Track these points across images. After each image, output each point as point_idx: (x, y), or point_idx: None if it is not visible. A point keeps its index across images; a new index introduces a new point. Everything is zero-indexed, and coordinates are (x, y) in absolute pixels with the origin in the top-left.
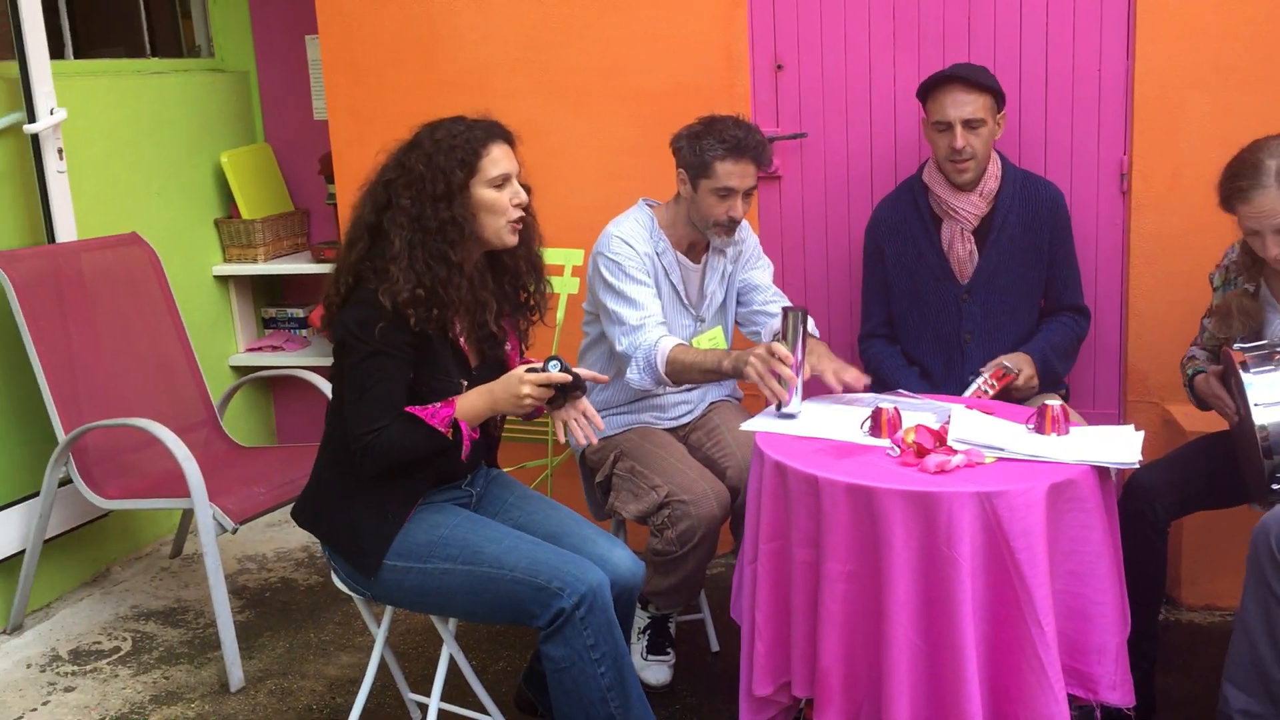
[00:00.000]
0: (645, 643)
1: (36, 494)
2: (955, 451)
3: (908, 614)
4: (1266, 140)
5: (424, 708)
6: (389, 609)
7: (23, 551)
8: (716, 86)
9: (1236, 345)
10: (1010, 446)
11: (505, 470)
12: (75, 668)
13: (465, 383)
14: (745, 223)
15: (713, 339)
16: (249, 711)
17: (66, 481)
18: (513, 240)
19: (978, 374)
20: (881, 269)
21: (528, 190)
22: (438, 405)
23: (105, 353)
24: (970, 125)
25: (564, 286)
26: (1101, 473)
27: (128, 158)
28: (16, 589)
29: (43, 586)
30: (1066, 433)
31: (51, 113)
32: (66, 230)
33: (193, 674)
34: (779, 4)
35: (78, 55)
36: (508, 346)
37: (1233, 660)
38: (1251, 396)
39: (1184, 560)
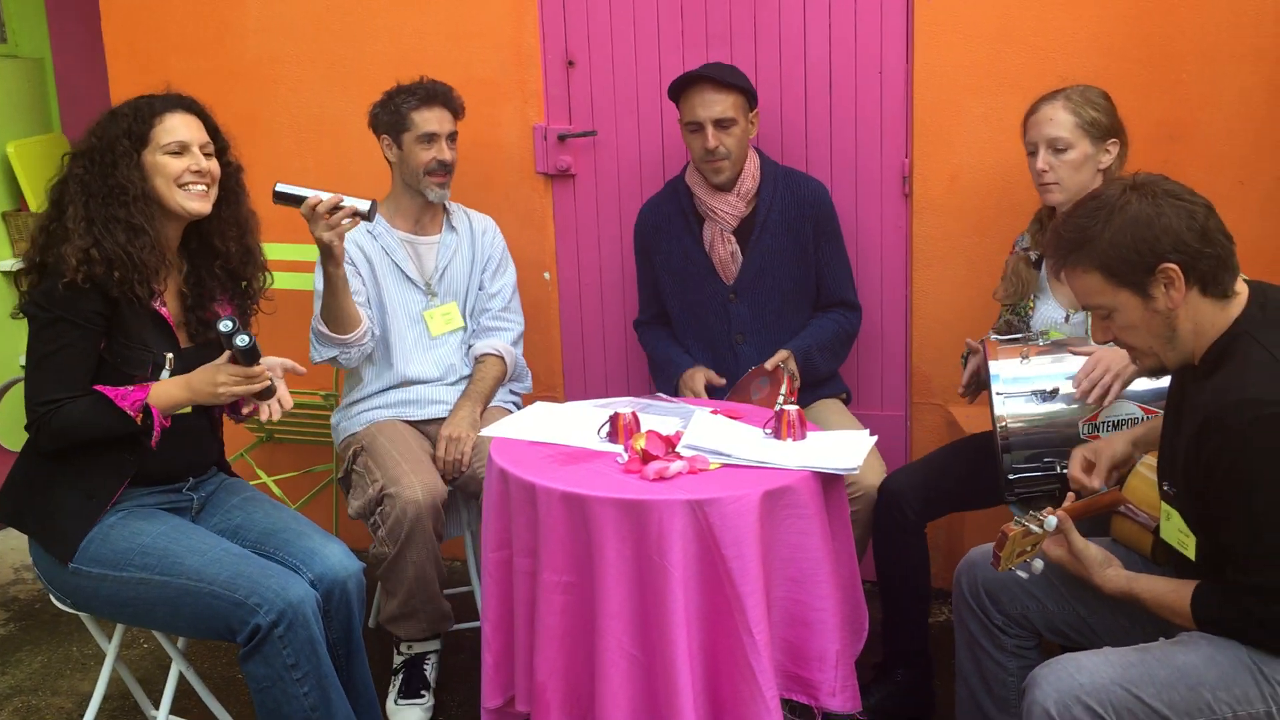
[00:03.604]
0: (399, 685)
1: None
2: (679, 458)
3: (622, 624)
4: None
5: None
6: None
7: None
8: (508, 81)
9: (993, 336)
10: (736, 452)
11: (291, 475)
12: None
13: (170, 355)
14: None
15: (447, 314)
16: None
17: None
18: (198, 207)
19: (754, 375)
20: (650, 267)
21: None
22: (131, 388)
23: None
24: (721, 125)
25: None
26: (826, 479)
27: None
28: None
29: None
30: (803, 438)
31: None
32: None
33: None
34: (569, 0)
35: None
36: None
37: (960, 707)
38: (995, 386)
39: (956, 558)
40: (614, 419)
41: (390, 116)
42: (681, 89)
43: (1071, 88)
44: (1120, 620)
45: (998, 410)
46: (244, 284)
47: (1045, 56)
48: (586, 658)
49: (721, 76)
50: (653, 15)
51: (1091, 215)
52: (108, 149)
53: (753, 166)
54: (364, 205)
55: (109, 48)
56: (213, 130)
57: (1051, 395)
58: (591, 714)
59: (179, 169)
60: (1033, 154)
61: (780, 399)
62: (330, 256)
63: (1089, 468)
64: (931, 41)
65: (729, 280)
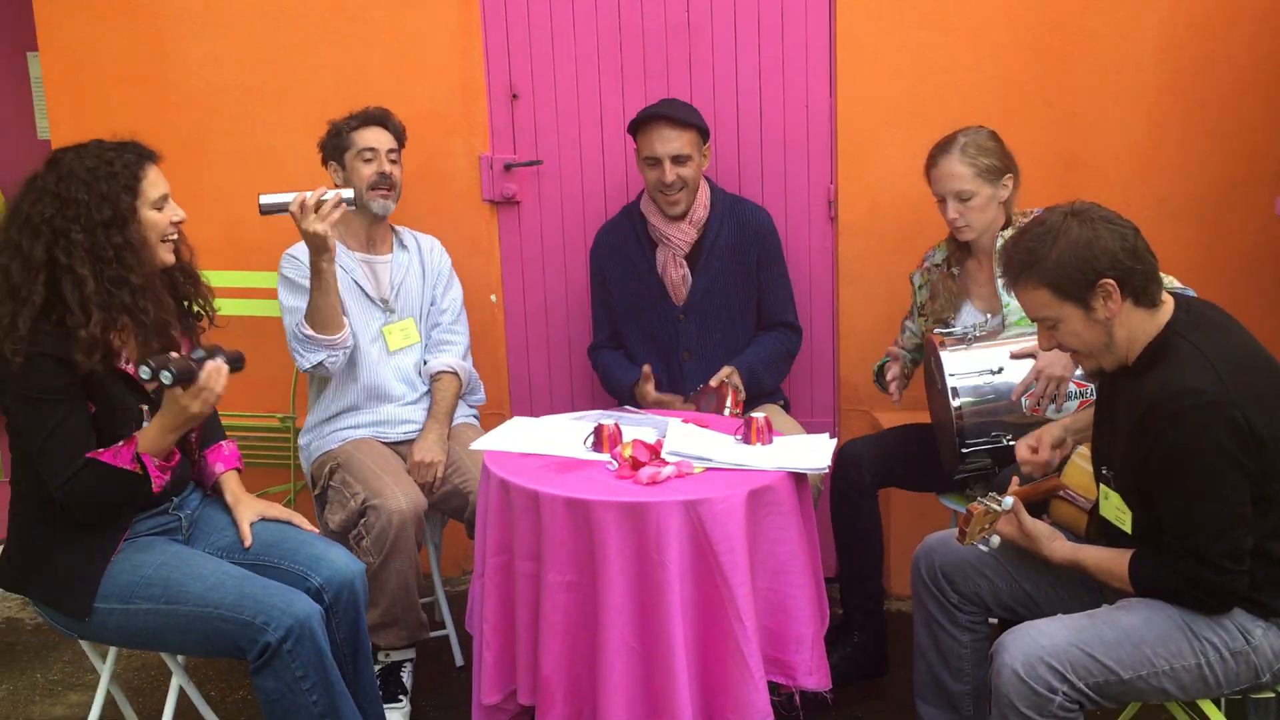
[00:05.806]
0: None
1: None
2: (667, 463)
3: (623, 618)
4: (968, 127)
5: None
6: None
7: None
8: (455, 114)
9: (936, 331)
10: (717, 457)
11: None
12: None
13: (145, 408)
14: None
15: (404, 329)
16: None
17: None
18: (171, 259)
19: (703, 393)
20: (604, 289)
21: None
22: (120, 445)
23: None
24: (678, 161)
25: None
26: (797, 478)
27: None
28: None
29: None
30: (770, 442)
31: None
32: None
33: None
34: (513, 36)
35: None
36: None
37: (917, 679)
38: (948, 367)
39: (891, 551)
40: (598, 430)
41: (334, 141)
42: (640, 125)
43: (963, 133)
44: (1060, 594)
45: (952, 384)
46: (186, 303)
47: (954, 92)
48: (589, 651)
49: (678, 115)
50: (593, 50)
51: (1039, 239)
52: (109, 206)
53: (704, 196)
54: (347, 193)
55: (47, 80)
56: None
57: (998, 372)
58: (594, 703)
59: (165, 223)
60: (942, 202)
61: (726, 411)
62: (323, 250)
63: (1034, 451)
64: (852, 78)
65: (679, 302)
